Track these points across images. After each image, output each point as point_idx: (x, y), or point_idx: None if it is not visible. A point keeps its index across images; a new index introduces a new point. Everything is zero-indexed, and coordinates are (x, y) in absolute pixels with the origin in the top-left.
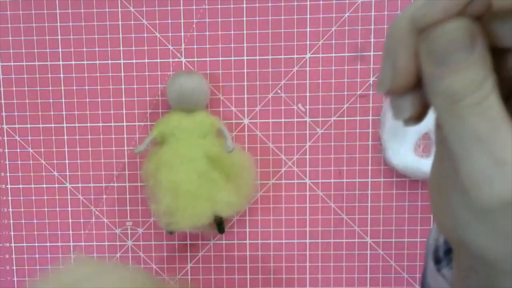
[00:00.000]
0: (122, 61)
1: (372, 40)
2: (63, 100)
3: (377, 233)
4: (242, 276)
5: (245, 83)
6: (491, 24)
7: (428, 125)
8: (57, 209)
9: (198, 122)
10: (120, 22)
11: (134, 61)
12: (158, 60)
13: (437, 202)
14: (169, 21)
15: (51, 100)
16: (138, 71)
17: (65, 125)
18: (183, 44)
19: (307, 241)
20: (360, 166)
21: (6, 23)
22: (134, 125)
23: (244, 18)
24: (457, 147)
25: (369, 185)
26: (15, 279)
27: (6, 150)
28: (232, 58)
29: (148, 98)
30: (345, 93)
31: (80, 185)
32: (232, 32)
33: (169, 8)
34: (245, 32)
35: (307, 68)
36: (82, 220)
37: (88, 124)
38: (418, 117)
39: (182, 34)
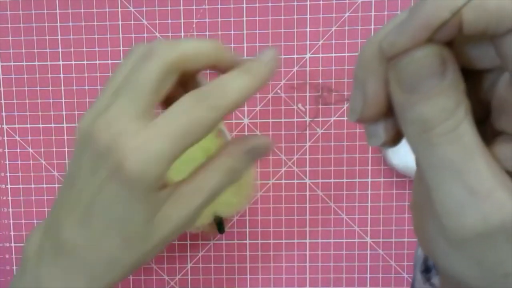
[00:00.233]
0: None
1: None
2: (63, 100)
3: (377, 233)
4: (242, 276)
5: None
6: (463, 47)
7: None
8: None
9: None
10: (120, 22)
11: None
12: None
13: (417, 222)
14: (169, 21)
15: (51, 100)
16: None
17: (65, 125)
18: None
19: (307, 241)
20: (360, 166)
21: (6, 23)
22: None
23: (244, 18)
24: (430, 175)
25: (369, 185)
26: None
27: (6, 150)
28: None
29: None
30: (345, 93)
31: None
32: (232, 32)
33: (169, 8)
34: (245, 32)
35: (307, 68)
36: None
37: None
38: (393, 142)
39: (182, 34)
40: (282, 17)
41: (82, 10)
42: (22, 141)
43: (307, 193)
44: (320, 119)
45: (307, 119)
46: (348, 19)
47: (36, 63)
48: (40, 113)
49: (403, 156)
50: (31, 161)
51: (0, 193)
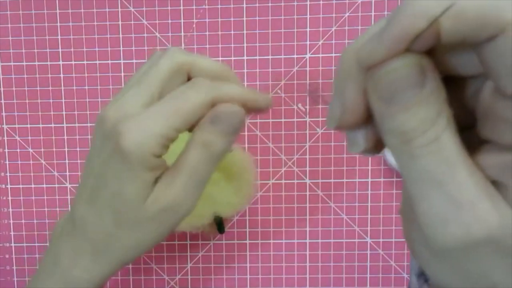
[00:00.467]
0: (122, 61)
1: None
2: (63, 100)
3: (377, 233)
4: (242, 276)
5: (245, 83)
6: (445, 54)
7: None
8: (57, 209)
9: None
10: (120, 22)
11: (134, 61)
12: None
13: (404, 228)
14: (169, 21)
15: (51, 100)
16: None
17: (65, 125)
18: (183, 44)
19: (307, 241)
20: (360, 166)
21: (6, 23)
22: None
23: (244, 18)
24: (412, 186)
25: (369, 185)
26: (15, 279)
27: (6, 150)
28: (232, 58)
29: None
30: None
31: None
32: (232, 32)
33: (169, 8)
34: (245, 32)
35: (307, 68)
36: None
37: (88, 124)
38: (375, 150)
39: (182, 34)
40: (282, 17)
41: (82, 10)
42: (22, 141)
43: (307, 193)
44: (320, 119)
45: (307, 119)
46: (348, 19)
47: (36, 63)
48: (40, 113)
49: None
50: (31, 161)
51: (0, 193)
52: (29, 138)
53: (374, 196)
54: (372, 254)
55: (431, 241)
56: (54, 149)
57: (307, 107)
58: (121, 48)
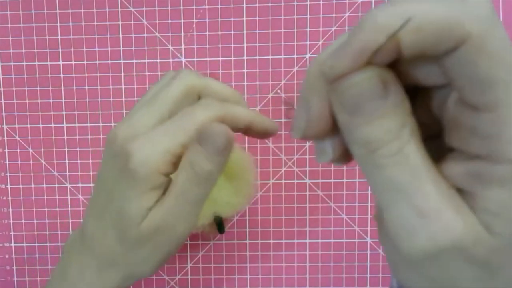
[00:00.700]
0: (122, 61)
1: None
2: (63, 100)
3: (377, 233)
4: (242, 276)
5: (245, 83)
6: (410, 66)
7: None
8: (57, 209)
9: None
10: (120, 22)
11: (134, 61)
12: (158, 60)
13: (378, 235)
14: (169, 21)
15: (51, 100)
16: (138, 71)
17: (65, 125)
18: (183, 44)
19: (307, 241)
20: None
21: (6, 23)
22: None
23: (244, 18)
24: (379, 196)
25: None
26: (15, 279)
27: (6, 150)
28: (232, 58)
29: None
30: None
31: (80, 185)
32: (232, 32)
33: (169, 8)
34: (245, 32)
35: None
36: (82, 220)
37: (88, 124)
38: (343, 159)
39: (182, 34)
40: (282, 17)
41: (82, 10)
42: (22, 141)
43: (307, 193)
44: None
45: None
46: (348, 19)
47: (36, 63)
48: (40, 113)
49: None
50: (31, 161)
51: (0, 193)
52: (29, 138)
53: (374, 196)
54: (372, 254)
55: (399, 249)
56: (54, 149)
57: None
58: (121, 48)
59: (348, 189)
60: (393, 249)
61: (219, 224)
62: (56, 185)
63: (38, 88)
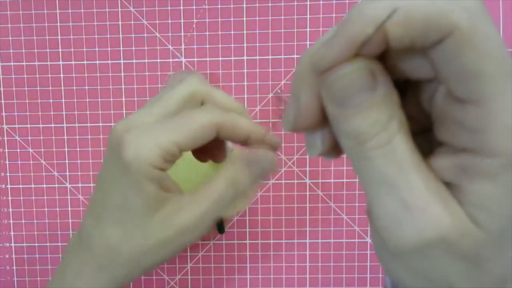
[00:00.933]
0: (122, 61)
1: None
2: (63, 100)
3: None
4: (242, 276)
5: (245, 83)
6: (398, 59)
7: None
8: (57, 209)
9: None
10: (120, 22)
11: (134, 61)
12: (158, 60)
13: (370, 229)
14: (169, 21)
15: (51, 100)
16: (138, 71)
17: (65, 125)
18: (183, 44)
19: (307, 241)
20: None
21: (6, 23)
22: None
23: (244, 18)
24: (367, 188)
25: None
26: (15, 279)
27: (6, 150)
28: (232, 58)
29: (148, 98)
30: None
31: (80, 185)
32: (232, 32)
33: (169, 8)
34: (245, 32)
35: None
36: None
37: (88, 124)
38: (333, 153)
39: (182, 34)
40: (282, 17)
41: (82, 10)
42: (22, 141)
43: (307, 193)
44: None
45: None
46: None
47: (36, 63)
48: (40, 113)
49: None
50: (31, 161)
51: (0, 193)
52: (29, 138)
53: None
54: (372, 254)
55: (387, 243)
56: (54, 149)
57: None
58: (121, 48)
59: (348, 189)
60: (382, 243)
61: (219, 224)
62: (56, 185)
63: (38, 88)
